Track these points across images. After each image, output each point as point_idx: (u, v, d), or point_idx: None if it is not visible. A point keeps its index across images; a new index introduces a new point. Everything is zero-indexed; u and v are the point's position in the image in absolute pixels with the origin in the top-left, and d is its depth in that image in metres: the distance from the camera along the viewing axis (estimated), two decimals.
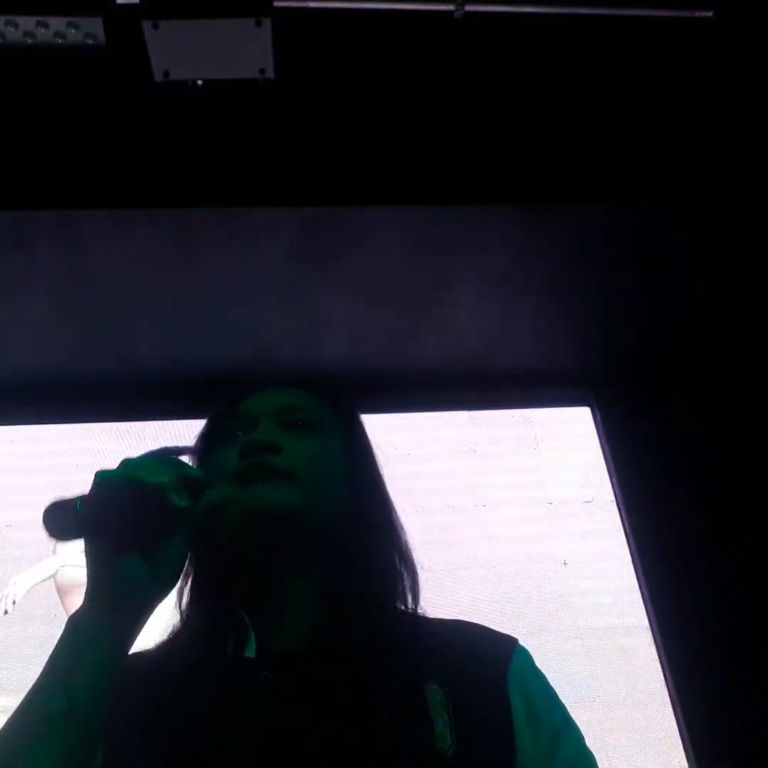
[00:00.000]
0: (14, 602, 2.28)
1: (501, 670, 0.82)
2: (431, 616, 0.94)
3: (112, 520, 0.71)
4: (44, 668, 0.73)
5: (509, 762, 0.77)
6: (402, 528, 0.94)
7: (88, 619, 0.74)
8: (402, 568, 0.90)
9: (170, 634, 0.87)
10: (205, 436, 0.95)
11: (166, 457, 0.78)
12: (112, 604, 0.73)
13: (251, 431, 0.88)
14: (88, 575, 0.75)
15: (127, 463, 0.75)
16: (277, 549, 0.84)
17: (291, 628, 0.84)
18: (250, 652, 0.82)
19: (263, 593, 0.85)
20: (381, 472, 0.98)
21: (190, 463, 0.88)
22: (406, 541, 0.93)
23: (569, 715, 0.85)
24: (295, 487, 0.83)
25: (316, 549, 0.85)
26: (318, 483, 0.85)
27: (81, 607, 0.75)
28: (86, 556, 0.74)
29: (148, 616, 0.76)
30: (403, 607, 0.89)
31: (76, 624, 0.74)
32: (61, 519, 0.71)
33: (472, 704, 0.79)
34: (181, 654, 0.82)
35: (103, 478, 0.73)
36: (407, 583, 0.90)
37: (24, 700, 0.72)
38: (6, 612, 2.26)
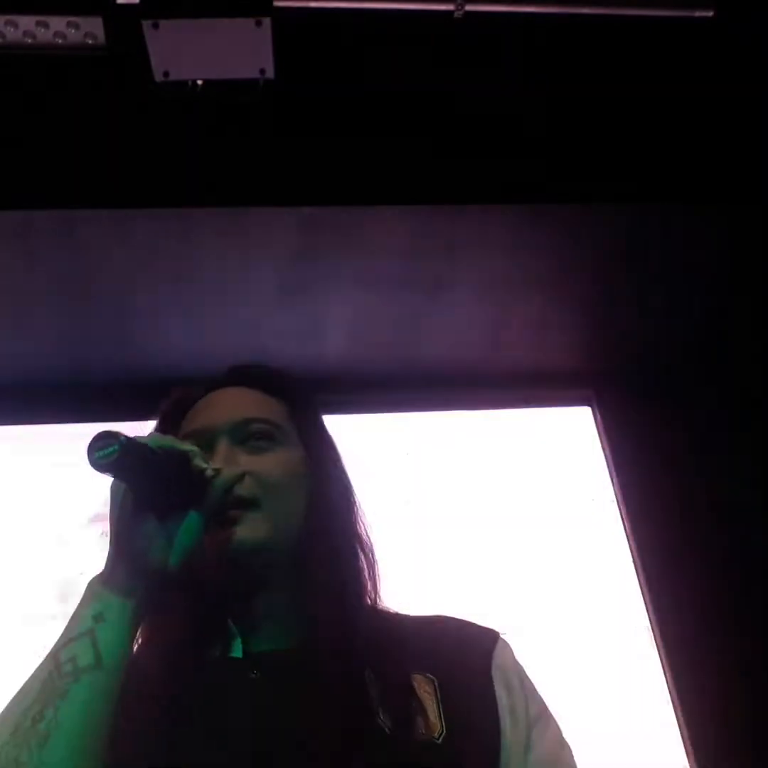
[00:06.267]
0: None
1: (485, 662, 0.85)
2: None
3: (138, 471, 0.74)
4: (67, 626, 0.73)
5: (495, 750, 0.79)
6: (362, 520, 0.95)
7: (107, 571, 0.75)
8: (364, 565, 0.92)
9: (149, 637, 0.86)
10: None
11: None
12: (128, 557, 0.75)
13: (208, 449, 0.88)
14: (111, 530, 0.76)
15: (154, 437, 0.79)
16: (253, 574, 0.85)
17: (275, 631, 0.85)
18: (237, 653, 0.82)
19: (245, 605, 0.86)
20: (340, 463, 0.99)
21: None
22: (366, 535, 0.94)
23: (547, 708, 0.87)
24: (261, 516, 0.84)
25: (289, 561, 0.87)
26: (281, 505, 0.87)
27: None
28: (111, 504, 0.77)
29: (162, 580, 0.77)
30: (372, 602, 0.90)
31: (97, 580, 0.76)
32: (103, 448, 0.71)
33: (461, 694, 0.80)
34: (166, 656, 0.82)
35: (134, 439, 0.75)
36: (369, 579, 0.92)
37: (47, 656, 0.72)
38: None
